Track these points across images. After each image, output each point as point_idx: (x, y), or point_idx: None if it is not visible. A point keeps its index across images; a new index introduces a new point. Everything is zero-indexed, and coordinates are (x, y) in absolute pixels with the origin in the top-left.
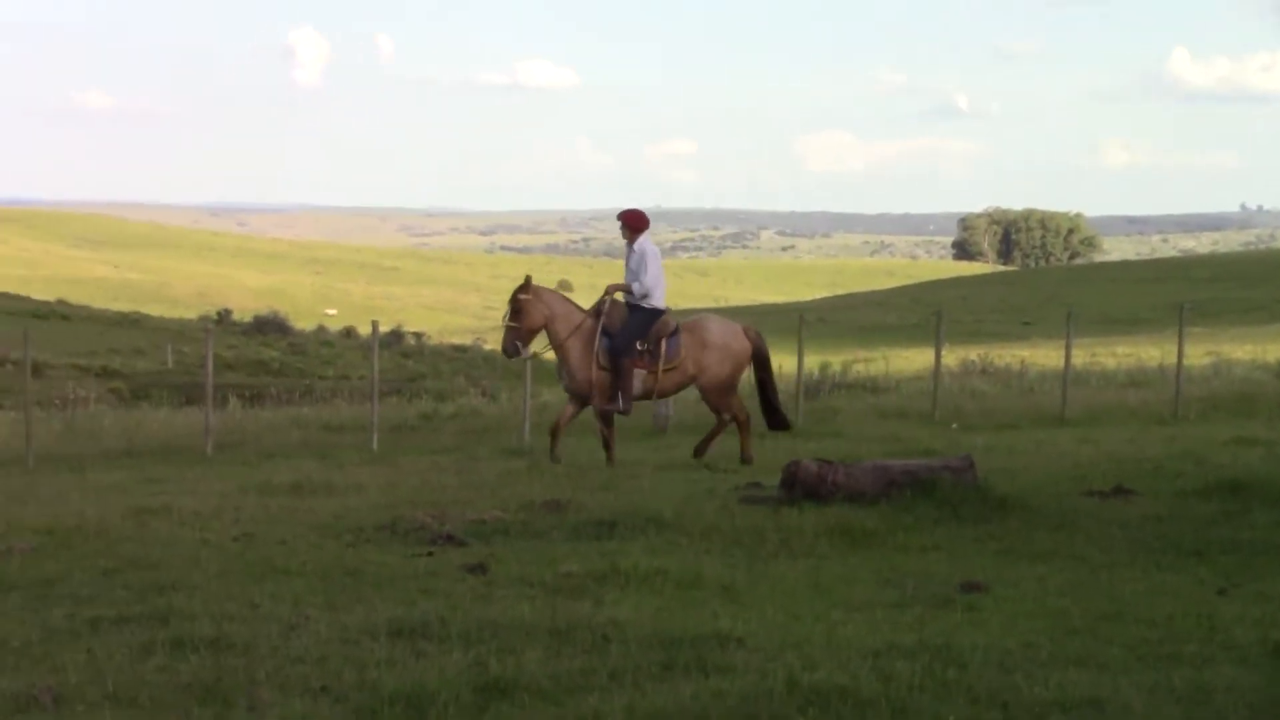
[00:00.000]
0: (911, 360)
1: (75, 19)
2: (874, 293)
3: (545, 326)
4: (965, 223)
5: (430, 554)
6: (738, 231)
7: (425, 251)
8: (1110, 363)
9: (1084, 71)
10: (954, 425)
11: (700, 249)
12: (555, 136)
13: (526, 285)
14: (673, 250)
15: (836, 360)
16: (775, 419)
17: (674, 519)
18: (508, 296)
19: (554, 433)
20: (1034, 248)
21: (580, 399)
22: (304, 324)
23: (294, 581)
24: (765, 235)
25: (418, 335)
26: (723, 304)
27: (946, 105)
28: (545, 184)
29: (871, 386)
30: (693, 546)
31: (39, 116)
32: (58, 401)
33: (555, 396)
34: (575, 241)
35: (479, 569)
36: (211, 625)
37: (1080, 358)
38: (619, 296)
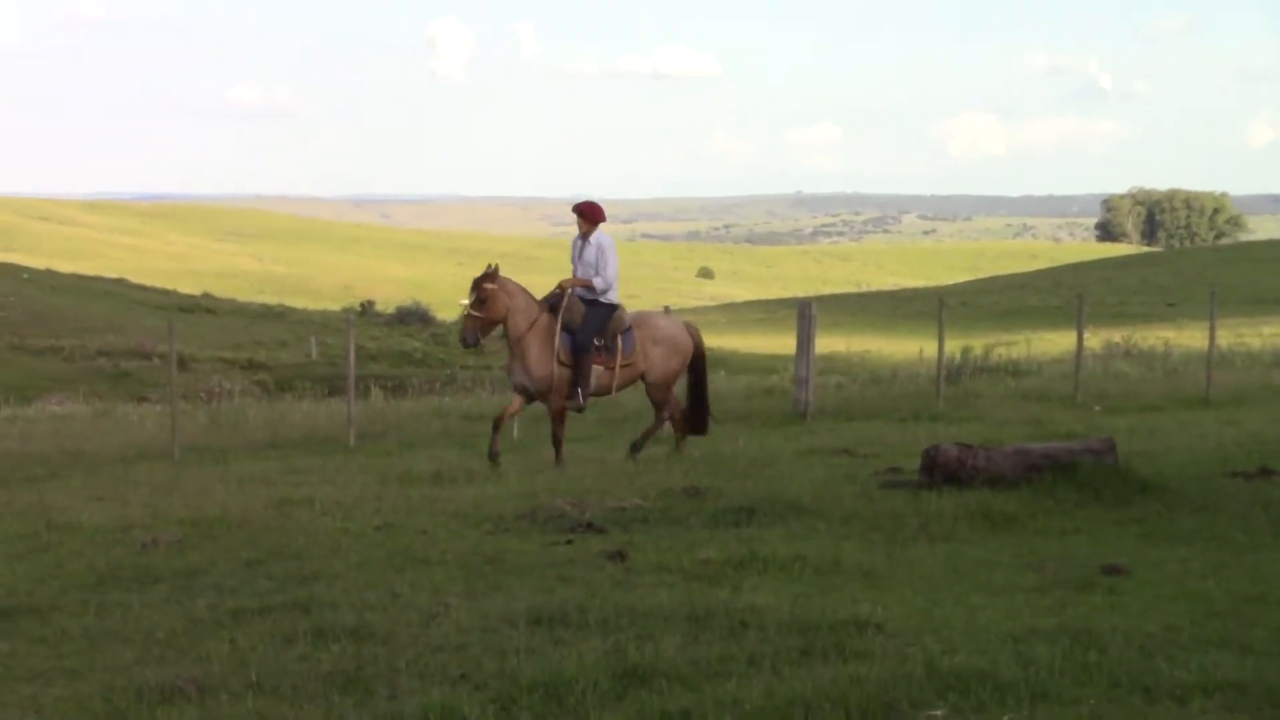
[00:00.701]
0: (1054, 343)
1: (221, 17)
2: (1015, 275)
3: (504, 319)
4: (1109, 204)
5: (569, 542)
6: (879, 216)
7: (566, 240)
8: (1256, 343)
9: (1229, 49)
10: (1096, 408)
11: (841, 234)
12: (696, 123)
13: (493, 275)
14: (813, 235)
15: (978, 344)
16: (700, 420)
17: (812, 505)
18: (470, 284)
19: (496, 427)
20: (1179, 228)
21: (528, 395)
22: (447, 314)
23: (434, 570)
24: (907, 219)
25: None
26: (864, 288)
27: (1090, 86)
28: (686, 171)
29: (1013, 370)
30: (831, 532)
31: (186, 113)
32: (203, 394)
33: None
34: (716, 228)
35: (618, 556)
36: (353, 614)
37: (1225, 338)
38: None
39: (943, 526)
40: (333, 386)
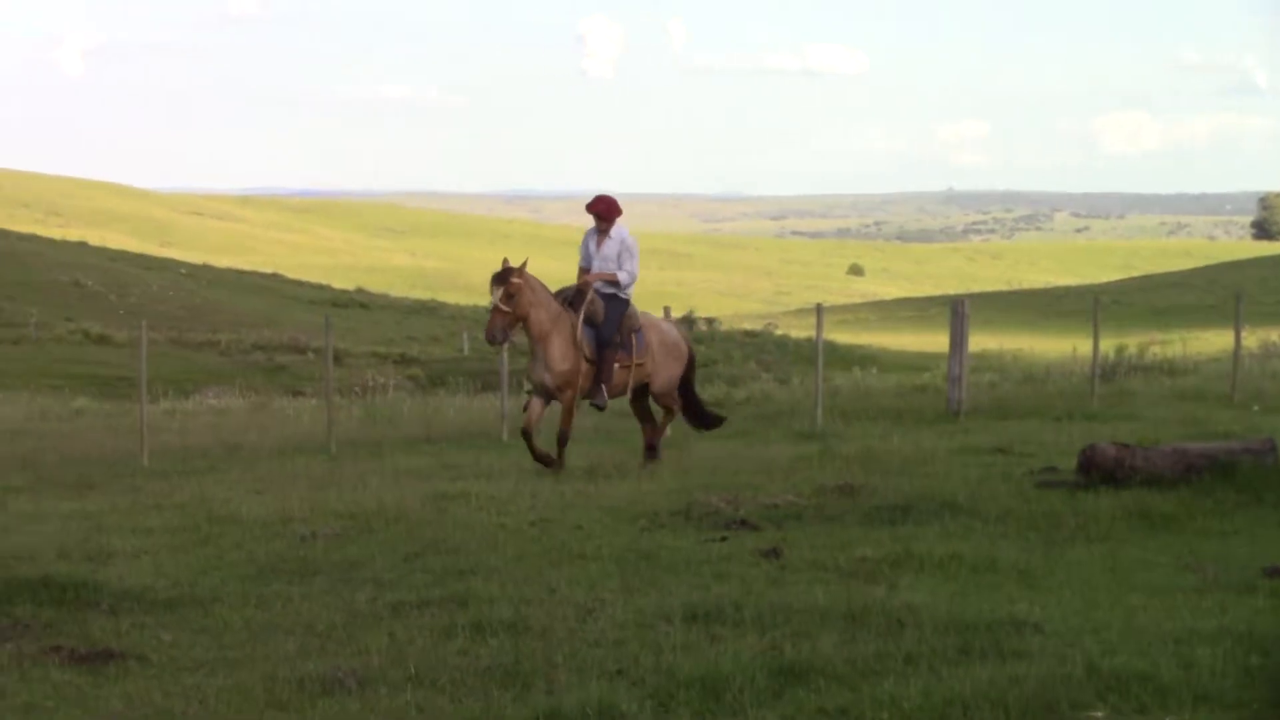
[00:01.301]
0: (1209, 342)
1: (373, 15)
2: (1170, 274)
3: (529, 314)
4: (1265, 202)
5: (724, 539)
6: (1031, 213)
7: (716, 237)
8: None
9: None
10: (1255, 407)
11: (993, 231)
12: (846, 120)
13: (521, 269)
14: (964, 233)
15: (1132, 342)
16: (708, 417)
17: (968, 503)
18: (491, 279)
19: (528, 436)
20: None
21: (546, 395)
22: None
23: (589, 566)
24: (1059, 217)
25: (709, 321)
26: (1015, 286)
27: (1245, 82)
28: (836, 168)
29: (1168, 369)
30: (987, 531)
31: (339, 110)
32: (358, 389)
33: (847, 381)
34: (867, 225)
35: (773, 553)
36: (510, 609)
37: None
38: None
39: (1100, 526)
40: (485, 381)
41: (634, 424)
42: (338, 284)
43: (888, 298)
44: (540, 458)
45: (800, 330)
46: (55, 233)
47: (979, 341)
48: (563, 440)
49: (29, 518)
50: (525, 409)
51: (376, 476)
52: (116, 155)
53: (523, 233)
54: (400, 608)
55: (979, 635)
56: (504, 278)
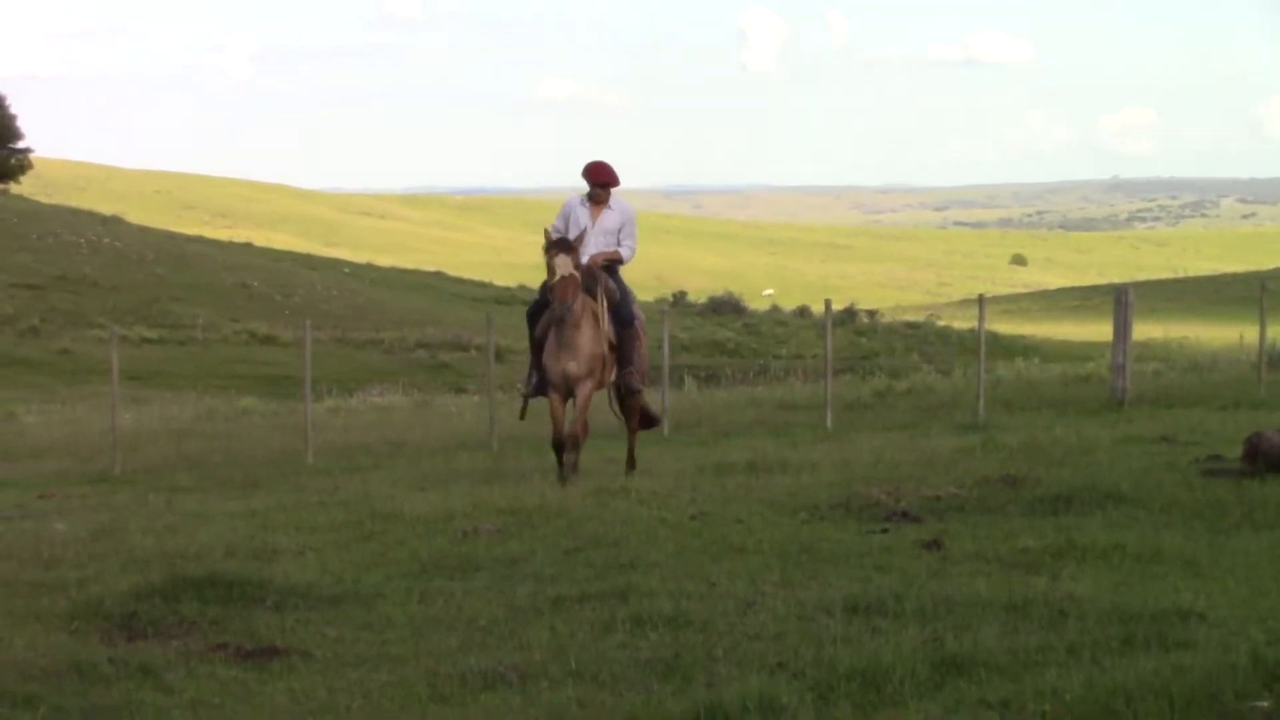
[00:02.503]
0: None
1: (533, 13)
2: None
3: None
4: None
5: (885, 530)
6: (1197, 200)
7: (877, 229)
8: None
9: None
10: None
11: (1158, 219)
12: (1009, 110)
13: (576, 243)
14: (1128, 221)
15: None
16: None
17: (1131, 493)
18: (549, 250)
19: (565, 445)
20: None
21: (566, 389)
22: (759, 304)
23: (750, 559)
24: (1225, 203)
25: (871, 313)
26: (1180, 274)
27: None
28: (999, 157)
29: None
30: (1151, 520)
31: (500, 107)
32: (519, 385)
33: (1010, 371)
34: (1029, 215)
35: (934, 545)
36: (670, 602)
37: None
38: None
39: (1267, 515)
40: None
41: (799, 416)
42: (500, 281)
43: (1051, 287)
44: (570, 468)
45: (962, 321)
46: (223, 234)
47: (1143, 330)
48: (573, 443)
49: (196, 517)
50: (549, 415)
51: (538, 472)
52: (283, 158)
53: (683, 227)
54: (561, 602)
55: (1143, 625)
56: (570, 245)
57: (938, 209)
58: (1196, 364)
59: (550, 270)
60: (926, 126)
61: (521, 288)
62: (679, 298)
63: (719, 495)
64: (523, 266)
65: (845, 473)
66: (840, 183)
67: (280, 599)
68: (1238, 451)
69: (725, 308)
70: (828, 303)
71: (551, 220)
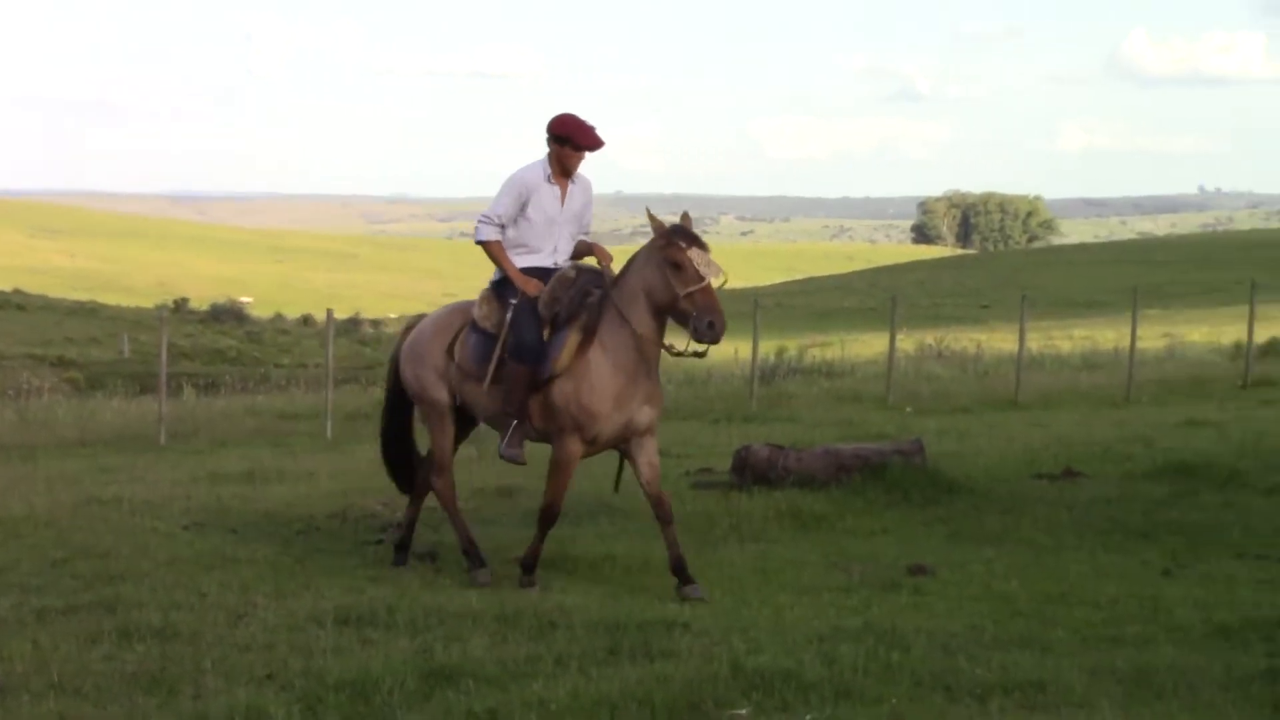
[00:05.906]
0: (868, 344)
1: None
2: (832, 277)
3: None
4: (924, 206)
5: (380, 541)
6: (697, 217)
7: (384, 238)
8: (1066, 346)
9: (1043, 55)
10: (908, 409)
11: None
12: (516, 120)
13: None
14: (632, 236)
15: (793, 345)
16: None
17: (624, 504)
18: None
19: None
20: (992, 231)
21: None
22: (261, 312)
23: (243, 570)
24: (725, 220)
25: (375, 322)
26: None
27: (907, 89)
28: (505, 168)
29: (827, 371)
30: (642, 531)
31: None
32: (11, 392)
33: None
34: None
35: (429, 557)
36: (159, 614)
37: (1036, 341)
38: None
39: (753, 527)
40: (145, 384)
41: (299, 426)
42: None
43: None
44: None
45: None
46: None
47: None
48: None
49: None
50: (564, 481)
51: (28, 481)
52: None
53: (188, 233)
54: (46, 614)
55: (629, 635)
56: (698, 237)
57: (443, 220)
58: (691, 378)
59: (685, 273)
60: (434, 137)
61: (16, 291)
62: (180, 304)
63: (214, 505)
64: (18, 270)
65: (343, 483)
66: (349, 192)
67: None
68: (728, 464)
69: (227, 315)
70: (329, 312)
71: (45, 221)
